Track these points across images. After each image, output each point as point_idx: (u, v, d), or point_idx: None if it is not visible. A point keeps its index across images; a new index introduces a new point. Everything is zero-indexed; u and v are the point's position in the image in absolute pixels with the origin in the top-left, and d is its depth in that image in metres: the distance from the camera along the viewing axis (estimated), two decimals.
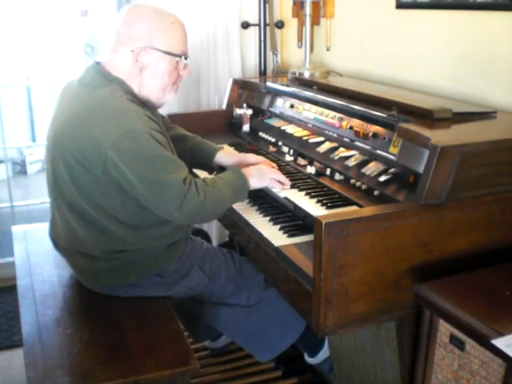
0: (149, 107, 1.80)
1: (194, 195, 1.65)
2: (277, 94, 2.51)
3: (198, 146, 2.11)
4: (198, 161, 2.09)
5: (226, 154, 2.11)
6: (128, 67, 1.74)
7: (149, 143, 1.62)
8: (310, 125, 2.23)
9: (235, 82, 2.75)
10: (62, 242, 1.88)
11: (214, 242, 3.15)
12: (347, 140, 1.98)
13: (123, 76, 1.74)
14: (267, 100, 2.57)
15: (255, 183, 1.86)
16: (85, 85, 1.74)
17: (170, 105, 3.03)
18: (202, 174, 2.15)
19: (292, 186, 1.91)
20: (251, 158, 2.03)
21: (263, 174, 1.88)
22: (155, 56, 1.73)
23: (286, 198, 1.87)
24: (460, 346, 1.32)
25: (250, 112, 2.59)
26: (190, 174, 1.70)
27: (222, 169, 2.07)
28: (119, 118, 1.62)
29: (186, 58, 1.81)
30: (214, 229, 3.17)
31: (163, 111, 2.93)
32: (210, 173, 2.13)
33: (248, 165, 1.97)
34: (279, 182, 1.88)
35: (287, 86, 2.45)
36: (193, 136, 2.15)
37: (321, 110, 2.19)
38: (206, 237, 2.33)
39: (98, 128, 1.61)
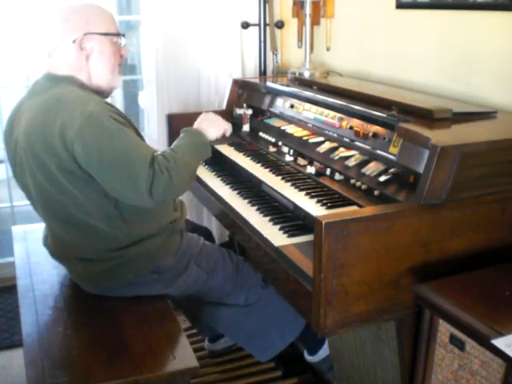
0: (103, 96, 1.83)
1: (158, 176, 1.62)
2: (277, 93, 2.51)
3: None
4: None
5: None
6: (73, 59, 1.76)
7: (110, 125, 1.62)
8: (310, 125, 2.23)
9: (235, 82, 2.75)
10: (54, 249, 1.89)
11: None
12: (347, 140, 1.98)
13: (71, 71, 1.77)
14: (267, 100, 2.57)
15: (214, 133, 1.92)
16: (36, 93, 1.76)
17: (170, 105, 3.04)
18: None
19: (292, 186, 1.91)
20: None
21: (216, 123, 1.95)
22: (97, 40, 1.77)
23: (285, 198, 1.86)
24: (460, 346, 1.32)
25: (249, 112, 2.59)
26: (153, 154, 1.67)
27: None
28: (76, 107, 1.62)
29: (123, 36, 1.86)
30: (213, 229, 3.17)
31: (164, 111, 2.95)
32: None
33: None
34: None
35: (287, 85, 2.45)
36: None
37: (321, 109, 2.19)
38: (207, 234, 2.34)
39: (58, 122, 1.61)
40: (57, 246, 1.87)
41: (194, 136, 1.84)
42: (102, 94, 1.83)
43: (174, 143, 1.82)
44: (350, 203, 1.72)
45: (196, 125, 1.93)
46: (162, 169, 1.64)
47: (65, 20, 1.76)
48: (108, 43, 1.80)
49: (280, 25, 3.13)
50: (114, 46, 1.82)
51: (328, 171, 1.93)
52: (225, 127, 1.98)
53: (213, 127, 1.92)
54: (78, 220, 1.72)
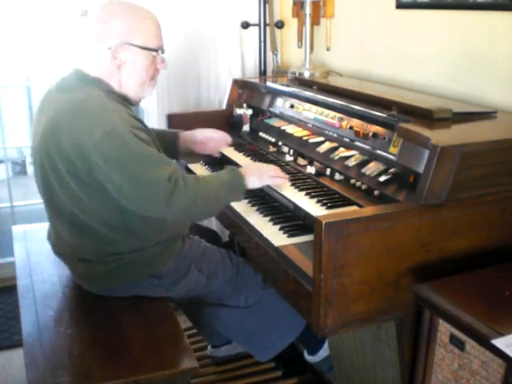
0: (130, 104, 1.80)
1: (181, 192, 1.63)
2: (277, 93, 2.51)
3: (158, 137, 2.07)
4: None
5: (190, 134, 2.19)
6: (106, 65, 1.73)
7: (131, 142, 1.60)
8: (310, 125, 2.23)
9: (235, 82, 2.75)
10: (57, 246, 1.89)
11: None
12: (347, 140, 1.98)
13: (101, 75, 1.74)
14: (267, 100, 2.57)
15: (255, 183, 1.84)
16: (64, 90, 1.74)
17: (170, 105, 3.04)
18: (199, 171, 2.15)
19: (292, 186, 1.91)
20: (213, 132, 2.17)
21: (262, 173, 1.87)
22: (132, 52, 1.73)
23: (285, 198, 1.86)
24: (460, 346, 1.32)
25: (249, 112, 2.59)
26: (177, 171, 1.67)
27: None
28: (99, 119, 1.61)
29: (162, 52, 1.82)
30: (213, 228, 3.17)
31: (164, 111, 2.95)
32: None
33: (209, 139, 2.15)
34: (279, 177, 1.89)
35: (287, 85, 2.45)
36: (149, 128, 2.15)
37: (321, 109, 2.19)
38: (215, 236, 2.33)
39: (78, 131, 1.60)
40: (60, 244, 1.87)
41: (235, 176, 1.81)
42: (129, 101, 1.80)
43: (215, 173, 1.83)
44: (350, 203, 1.72)
45: (244, 169, 1.88)
46: (189, 187, 1.65)
47: (105, 23, 1.72)
48: (143, 57, 1.75)
49: (280, 25, 3.13)
50: (149, 60, 1.77)
51: (328, 171, 1.93)
52: (268, 182, 1.88)
53: (257, 177, 1.85)
54: (82, 222, 1.72)
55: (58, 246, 1.88)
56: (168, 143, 2.10)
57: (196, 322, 2.24)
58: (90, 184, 1.64)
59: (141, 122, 1.72)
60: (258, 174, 1.86)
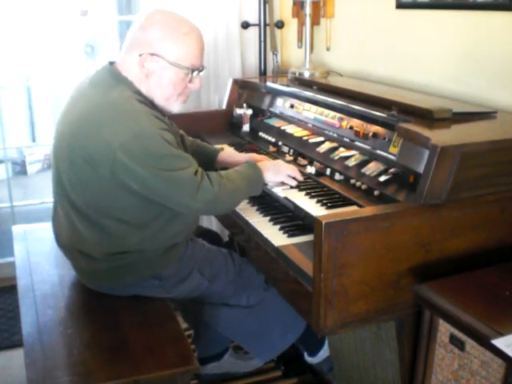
0: (159, 112, 1.78)
1: (207, 186, 1.67)
2: (277, 94, 2.51)
3: (199, 149, 2.11)
4: (200, 164, 2.08)
5: (229, 154, 2.14)
6: (135, 71, 1.73)
7: (158, 144, 1.62)
8: (310, 125, 2.23)
9: (235, 81, 2.75)
10: (62, 238, 1.88)
11: None
12: (347, 140, 1.98)
13: (132, 78, 1.74)
14: (267, 100, 2.57)
15: (270, 177, 1.88)
16: (95, 84, 1.74)
17: None
18: None
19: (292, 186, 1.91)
20: (255, 157, 2.05)
21: (279, 170, 1.90)
22: (161, 65, 1.72)
23: (286, 198, 1.87)
24: (460, 346, 1.32)
25: (250, 112, 2.59)
26: (200, 168, 1.71)
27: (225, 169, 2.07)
28: (128, 120, 1.62)
29: (195, 71, 1.78)
30: (214, 229, 3.17)
31: None
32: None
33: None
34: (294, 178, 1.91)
35: (287, 86, 2.45)
36: (192, 140, 2.15)
37: (321, 109, 2.19)
38: (216, 238, 2.33)
39: (106, 129, 1.61)
40: (65, 233, 1.84)
41: (253, 170, 1.85)
42: (157, 109, 1.77)
43: (234, 168, 1.85)
44: (350, 203, 1.72)
45: (261, 164, 1.90)
46: (214, 182, 1.69)
47: (143, 30, 1.72)
48: (172, 72, 1.72)
49: (280, 25, 3.13)
50: (178, 76, 1.74)
51: (328, 171, 1.93)
52: (283, 179, 1.89)
53: (272, 172, 1.88)
54: (90, 216, 1.72)
55: (63, 236, 1.87)
56: (206, 160, 2.10)
57: (195, 323, 2.23)
58: (108, 181, 1.65)
59: (166, 122, 1.72)
60: (274, 170, 1.89)
